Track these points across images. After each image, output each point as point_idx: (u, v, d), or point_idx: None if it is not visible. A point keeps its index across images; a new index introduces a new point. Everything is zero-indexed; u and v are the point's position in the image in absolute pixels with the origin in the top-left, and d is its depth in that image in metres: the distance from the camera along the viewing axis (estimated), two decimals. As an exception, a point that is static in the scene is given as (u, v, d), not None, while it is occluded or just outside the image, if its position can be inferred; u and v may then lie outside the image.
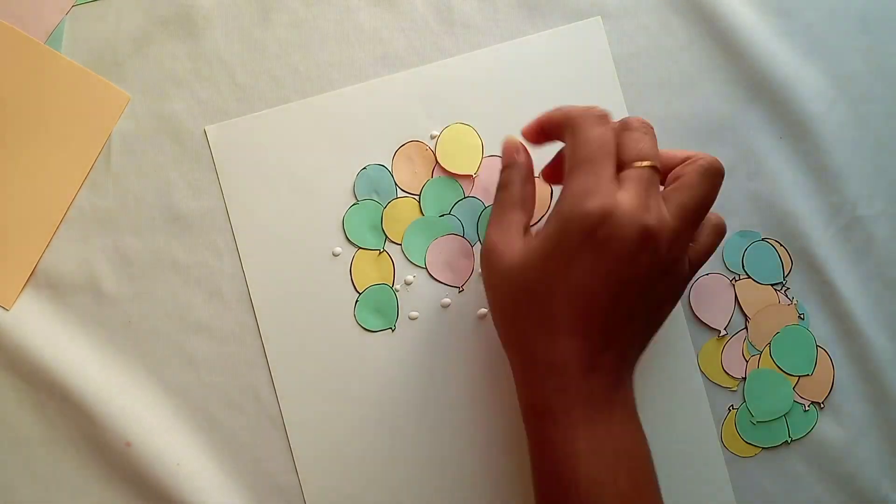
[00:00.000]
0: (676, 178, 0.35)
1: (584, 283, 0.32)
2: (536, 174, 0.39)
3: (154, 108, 0.43)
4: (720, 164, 0.35)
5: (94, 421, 0.40)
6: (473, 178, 0.43)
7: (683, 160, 0.35)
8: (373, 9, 0.43)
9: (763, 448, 0.42)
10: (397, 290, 0.42)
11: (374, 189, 0.43)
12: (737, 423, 0.42)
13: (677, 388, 0.42)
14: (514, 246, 0.35)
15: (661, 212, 0.33)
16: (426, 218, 0.43)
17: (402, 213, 0.43)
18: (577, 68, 0.43)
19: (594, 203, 0.32)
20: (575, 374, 0.33)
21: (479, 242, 0.43)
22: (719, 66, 0.43)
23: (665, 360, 0.42)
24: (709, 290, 0.43)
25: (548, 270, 0.33)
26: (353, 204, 0.43)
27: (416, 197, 0.43)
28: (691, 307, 0.43)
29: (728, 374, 0.42)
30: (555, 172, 0.39)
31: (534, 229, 0.38)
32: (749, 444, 0.42)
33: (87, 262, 0.42)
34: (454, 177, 0.43)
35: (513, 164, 0.38)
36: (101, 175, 0.42)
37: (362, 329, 0.42)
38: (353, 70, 0.43)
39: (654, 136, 0.35)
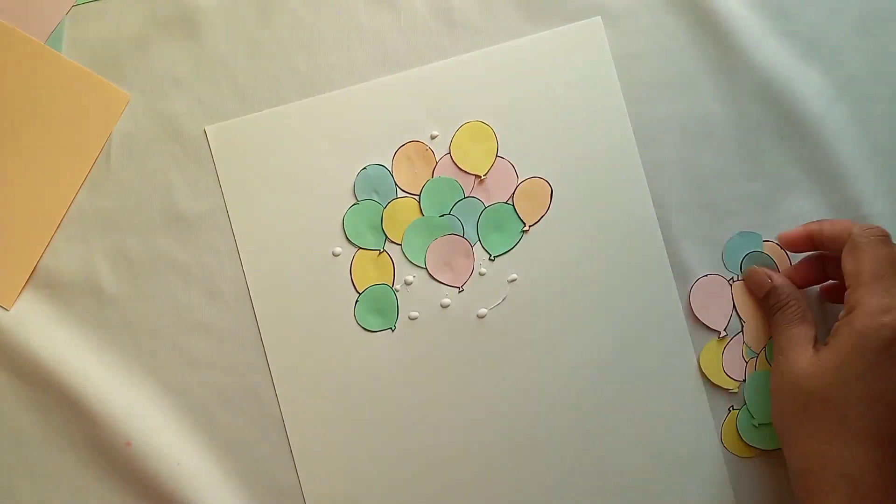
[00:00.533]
0: None
1: (883, 393, 0.34)
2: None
3: (154, 108, 0.43)
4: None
5: (94, 421, 0.40)
6: (481, 179, 0.43)
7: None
8: (373, 9, 0.43)
9: (765, 450, 0.42)
10: (397, 290, 0.42)
11: (374, 189, 0.43)
12: (738, 425, 0.42)
13: (677, 389, 0.42)
14: (806, 354, 0.37)
15: None
16: (426, 218, 0.43)
17: (402, 213, 0.43)
18: (577, 68, 0.43)
19: (892, 319, 0.34)
20: (875, 486, 0.34)
21: (479, 243, 0.43)
22: (719, 66, 0.43)
23: (665, 361, 0.42)
24: (708, 290, 0.43)
25: (844, 378, 0.34)
26: (353, 204, 0.43)
27: (416, 197, 0.43)
28: (691, 308, 0.43)
29: (728, 375, 0.42)
30: (831, 291, 0.42)
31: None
32: (751, 446, 0.42)
33: (87, 262, 0.42)
34: (457, 174, 0.43)
35: (776, 287, 0.40)
36: (101, 175, 0.42)
37: (362, 329, 0.42)
38: (353, 70, 0.43)
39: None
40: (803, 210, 0.43)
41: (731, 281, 0.43)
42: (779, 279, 0.40)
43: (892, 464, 0.34)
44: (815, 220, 0.43)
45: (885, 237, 0.36)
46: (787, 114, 0.43)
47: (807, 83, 0.43)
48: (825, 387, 0.35)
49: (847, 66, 0.44)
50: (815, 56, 0.44)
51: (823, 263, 0.41)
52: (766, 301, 0.41)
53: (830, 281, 0.41)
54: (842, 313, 0.36)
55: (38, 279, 0.42)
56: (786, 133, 0.43)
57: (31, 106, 0.42)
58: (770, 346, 0.42)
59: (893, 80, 0.44)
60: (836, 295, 0.40)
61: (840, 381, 0.35)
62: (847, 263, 0.36)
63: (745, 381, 0.42)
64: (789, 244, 0.41)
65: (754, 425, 0.42)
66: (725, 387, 0.42)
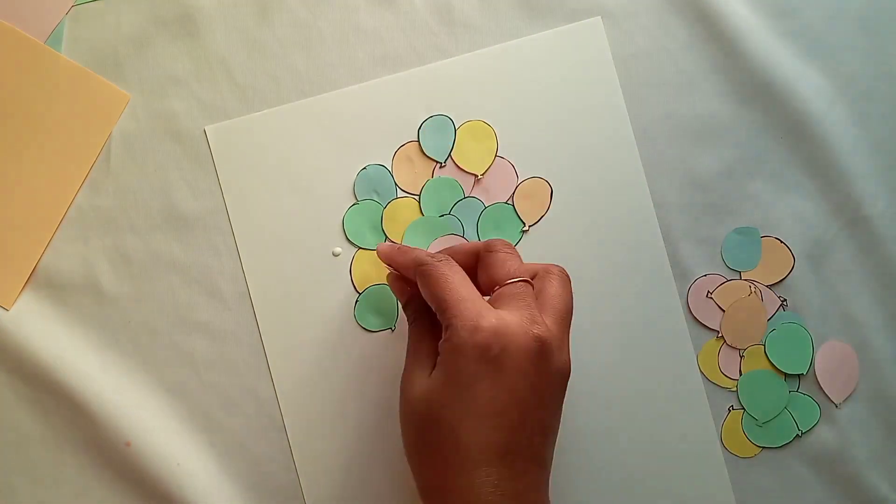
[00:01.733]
0: (540, 293, 0.35)
1: (490, 405, 0.31)
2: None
3: (154, 108, 0.43)
4: (567, 273, 0.37)
5: (94, 421, 0.40)
6: (479, 179, 0.43)
7: (534, 274, 0.37)
8: (373, 9, 0.43)
9: (771, 447, 0.42)
10: (397, 290, 0.42)
11: (374, 189, 0.43)
12: (743, 426, 0.42)
13: (677, 388, 0.42)
14: (422, 378, 0.34)
15: (545, 320, 0.33)
16: (426, 218, 0.43)
17: (402, 213, 0.43)
18: (577, 68, 0.43)
19: (485, 324, 0.32)
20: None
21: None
22: (719, 67, 0.43)
23: (665, 361, 0.42)
24: (706, 290, 0.43)
25: (451, 396, 0.32)
26: (353, 204, 0.43)
27: (416, 197, 0.43)
28: (690, 308, 0.43)
29: (725, 374, 0.42)
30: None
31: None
32: (758, 445, 0.42)
33: (87, 262, 0.42)
34: (457, 174, 0.43)
35: (410, 300, 0.38)
36: (101, 175, 0.42)
37: (362, 329, 0.42)
38: (353, 70, 0.43)
39: (518, 253, 0.36)
40: (803, 210, 0.43)
41: (728, 281, 0.43)
42: (411, 294, 0.38)
43: (511, 481, 0.31)
44: (815, 219, 0.43)
45: (449, 260, 0.35)
46: (787, 114, 0.43)
47: (807, 83, 0.43)
48: (436, 408, 0.32)
49: (847, 66, 0.44)
50: (815, 56, 0.44)
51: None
52: (408, 309, 0.38)
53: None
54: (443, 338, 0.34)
55: (38, 279, 0.42)
56: (786, 133, 0.43)
57: (31, 106, 0.42)
58: (767, 342, 0.42)
59: (893, 80, 0.44)
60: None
61: (448, 399, 0.32)
62: (423, 292, 0.35)
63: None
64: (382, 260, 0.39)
65: (759, 426, 0.42)
66: (724, 385, 0.42)
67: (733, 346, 0.42)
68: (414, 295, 0.37)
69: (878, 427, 0.42)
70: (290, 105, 0.43)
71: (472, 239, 0.43)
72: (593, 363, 0.42)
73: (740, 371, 0.42)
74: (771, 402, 0.42)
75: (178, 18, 0.43)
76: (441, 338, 0.34)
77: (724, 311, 0.43)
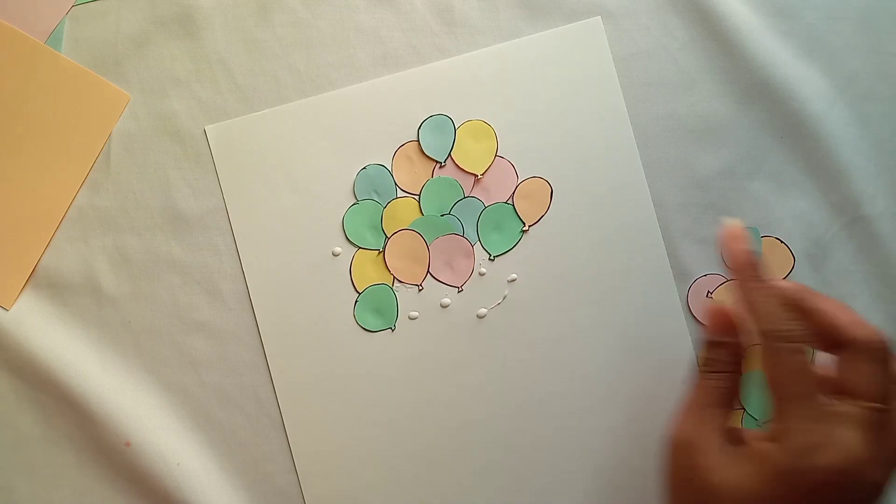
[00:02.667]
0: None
1: None
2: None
3: (154, 108, 0.43)
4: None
5: (94, 421, 0.40)
6: (479, 179, 0.43)
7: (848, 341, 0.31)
8: (373, 9, 0.43)
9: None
10: (397, 290, 0.42)
11: (373, 189, 0.43)
12: (743, 427, 0.42)
13: (677, 389, 0.42)
14: (714, 453, 0.31)
15: (888, 459, 0.29)
16: (426, 218, 0.43)
17: (402, 212, 0.43)
18: (577, 68, 0.43)
19: (827, 459, 0.28)
20: None
21: (479, 243, 0.43)
22: (719, 66, 0.43)
23: (665, 361, 0.42)
24: (706, 290, 0.43)
25: None
26: (353, 204, 0.43)
27: (416, 197, 0.43)
28: (689, 308, 0.43)
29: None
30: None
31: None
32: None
33: (87, 262, 0.42)
34: (457, 174, 0.43)
35: (725, 345, 0.33)
36: (101, 175, 0.42)
37: (362, 329, 0.42)
38: (352, 70, 0.43)
39: (890, 360, 0.30)
40: (803, 210, 0.43)
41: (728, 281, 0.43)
42: (735, 338, 0.33)
43: None
44: (815, 219, 0.43)
45: (799, 346, 0.30)
46: (787, 114, 0.43)
47: (807, 83, 0.43)
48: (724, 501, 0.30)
49: (847, 66, 0.44)
50: (815, 56, 0.44)
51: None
52: (706, 349, 0.35)
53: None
54: (763, 427, 0.31)
55: (38, 279, 0.42)
56: (786, 133, 0.43)
57: (31, 106, 0.42)
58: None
59: (893, 80, 0.44)
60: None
61: None
62: (764, 369, 0.31)
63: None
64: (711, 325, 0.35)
65: (759, 426, 0.42)
66: (725, 387, 0.42)
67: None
68: (728, 343, 0.33)
69: (879, 427, 0.42)
70: (290, 105, 0.43)
71: (471, 239, 0.43)
72: (593, 363, 0.42)
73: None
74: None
75: (178, 18, 0.43)
76: (732, 407, 0.31)
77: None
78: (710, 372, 0.33)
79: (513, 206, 0.43)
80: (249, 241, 0.42)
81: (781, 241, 0.43)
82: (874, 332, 0.30)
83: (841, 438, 0.28)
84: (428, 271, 0.42)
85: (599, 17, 0.43)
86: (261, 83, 0.43)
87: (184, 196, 0.42)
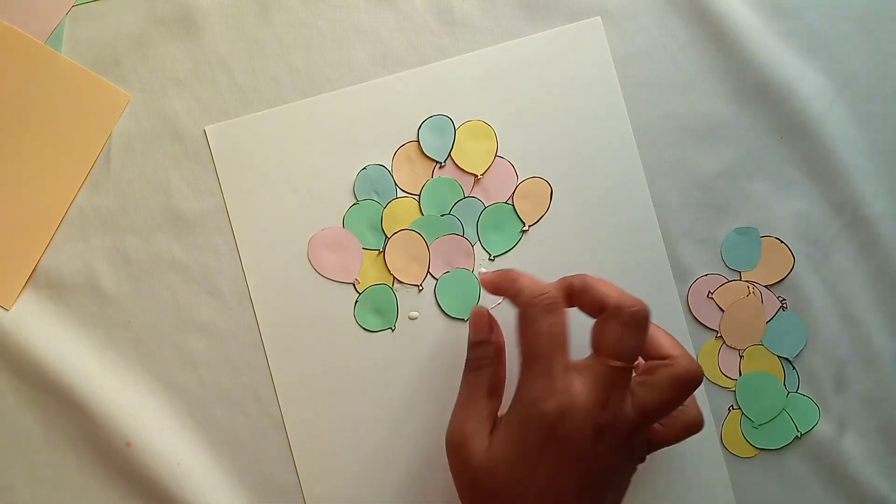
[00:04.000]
0: (649, 371, 0.34)
1: (549, 486, 0.32)
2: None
3: (154, 108, 0.43)
4: (699, 375, 0.34)
5: (94, 421, 0.40)
6: (479, 179, 0.43)
7: (664, 356, 0.34)
8: (373, 9, 0.43)
9: (770, 449, 0.42)
10: (397, 290, 0.42)
11: (373, 189, 0.43)
12: (742, 429, 0.42)
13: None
14: (481, 439, 0.34)
15: (620, 408, 0.32)
16: (426, 218, 0.43)
17: (402, 212, 0.43)
18: (577, 68, 0.43)
19: (549, 405, 0.32)
20: None
21: (479, 243, 0.43)
22: (719, 66, 0.43)
23: (665, 360, 0.42)
24: (706, 290, 0.43)
25: (512, 477, 0.32)
26: (353, 204, 0.43)
27: (416, 197, 0.43)
28: (689, 308, 0.43)
29: (725, 374, 0.42)
30: None
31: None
32: (757, 447, 0.42)
33: (87, 262, 0.42)
34: (457, 174, 0.43)
35: (485, 343, 0.37)
36: (101, 175, 0.42)
37: (362, 329, 0.42)
38: (352, 70, 0.43)
39: (645, 329, 0.33)
40: (803, 210, 0.43)
41: (728, 281, 0.43)
42: (496, 337, 0.37)
43: None
44: (815, 219, 0.43)
45: (552, 305, 0.34)
46: (787, 114, 0.43)
47: (807, 83, 0.43)
48: (497, 488, 0.33)
49: (847, 66, 0.44)
50: (815, 56, 0.44)
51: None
52: (471, 349, 0.38)
53: None
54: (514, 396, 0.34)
55: (38, 279, 0.42)
56: (786, 133, 0.43)
57: (31, 106, 0.42)
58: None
59: (893, 80, 0.44)
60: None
61: (510, 481, 0.32)
62: (517, 333, 0.34)
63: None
64: (484, 286, 0.38)
65: (755, 427, 0.42)
66: (724, 385, 0.42)
67: (732, 346, 0.42)
68: (489, 341, 0.37)
69: (879, 427, 0.42)
70: (290, 105, 0.43)
71: (471, 239, 0.43)
72: (593, 363, 0.42)
73: (740, 371, 0.42)
74: (768, 404, 0.42)
75: (178, 18, 0.43)
76: (499, 396, 0.35)
77: (723, 311, 0.43)
78: (477, 368, 0.37)
79: (513, 206, 0.43)
80: (249, 241, 0.42)
81: (781, 241, 0.43)
82: (631, 299, 0.33)
83: (565, 387, 0.32)
84: (428, 271, 0.42)
85: (599, 17, 0.43)
86: (261, 83, 0.43)
87: (184, 196, 0.42)
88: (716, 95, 0.43)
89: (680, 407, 0.35)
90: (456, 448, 0.35)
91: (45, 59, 0.42)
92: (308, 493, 0.41)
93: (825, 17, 0.44)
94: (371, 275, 0.42)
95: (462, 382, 0.37)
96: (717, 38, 0.43)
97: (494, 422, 0.35)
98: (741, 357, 0.42)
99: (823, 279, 0.43)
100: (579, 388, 0.32)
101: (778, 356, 0.42)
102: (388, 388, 0.42)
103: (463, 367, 0.40)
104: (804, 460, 0.42)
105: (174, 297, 0.42)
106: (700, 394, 0.42)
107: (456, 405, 0.36)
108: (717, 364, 0.42)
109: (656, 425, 0.36)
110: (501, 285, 0.37)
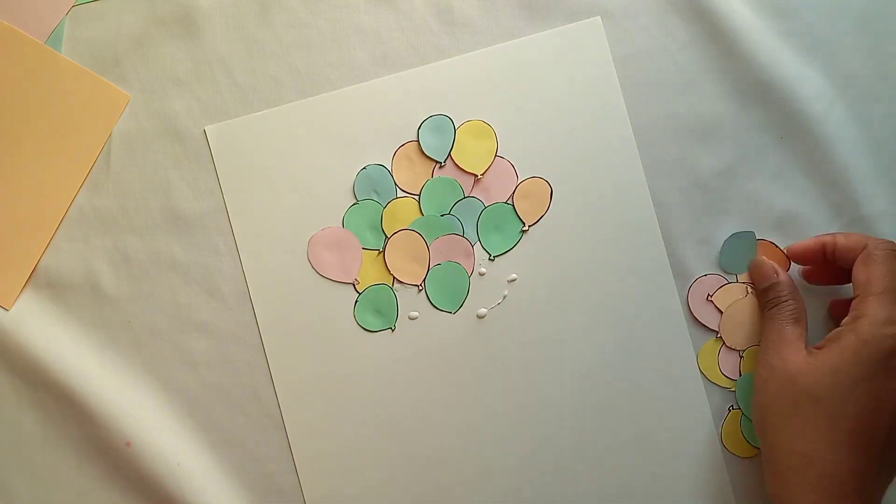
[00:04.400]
0: None
1: (873, 403, 0.35)
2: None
3: (154, 108, 0.43)
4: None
5: (94, 421, 0.40)
6: (479, 179, 0.43)
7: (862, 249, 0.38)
8: (373, 9, 0.43)
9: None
10: (397, 290, 0.42)
11: (373, 189, 0.43)
12: (742, 429, 0.42)
13: (677, 389, 0.42)
14: (800, 353, 0.37)
15: None
16: (426, 217, 0.43)
17: (402, 212, 0.43)
18: (577, 68, 0.43)
19: (894, 331, 0.34)
20: (854, 490, 0.34)
21: (479, 243, 0.43)
22: (719, 66, 0.43)
23: (665, 361, 0.42)
24: (706, 291, 0.43)
25: (840, 382, 0.35)
26: (353, 204, 0.43)
27: (416, 197, 0.43)
28: (689, 308, 0.43)
29: (725, 374, 0.42)
30: (816, 275, 0.42)
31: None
32: (756, 447, 0.42)
33: (87, 262, 0.42)
34: (457, 174, 0.43)
35: (779, 283, 0.40)
36: (101, 175, 0.42)
37: (362, 329, 0.42)
38: (352, 70, 0.43)
39: None
40: (803, 210, 0.43)
41: (728, 282, 0.43)
42: (784, 276, 0.40)
43: (870, 472, 0.35)
44: (815, 219, 0.43)
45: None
46: (787, 114, 0.43)
47: (807, 83, 0.43)
48: (820, 387, 0.35)
49: (847, 66, 0.44)
50: (815, 56, 0.44)
51: (830, 273, 0.41)
52: (764, 294, 0.41)
53: (838, 299, 0.42)
54: (845, 320, 0.36)
55: (38, 279, 0.42)
56: (786, 133, 0.43)
57: (31, 106, 0.42)
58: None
59: (893, 80, 0.44)
60: (843, 312, 0.39)
61: (836, 384, 0.35)
62: (859, 274, 0.37)
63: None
64: (800, 257, 0.41)
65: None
66: (724, 385, 0.42)
67: (732, 347, 0.42)
68: (784, 281, 0.40)
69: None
70: (290, 105, 0.43)
71: (471, 239, 0.43)
72: (593, 363, 0.42)
73: (740, 371, 0.42)
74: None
75: (178, 18, 0.43)
76: (804, 323, 0.38)
77: (722, 312, 0.43)
78: (776, 305, 0.40)
79: (513, 206, 0.43)
80: (249, 241, 0.42)
81: (776, 246, 0.43)
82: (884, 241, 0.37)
83: None
84: (428, 271, 0.42)
85: (599, 17, 0.43)
86: (261, 83, 0.43)
87: (184, 196, 0.42)
88: (716, 95, 0.43)
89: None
90: (770, 357, 0.38)
91: (45, 59, 0.42)
92: (308, 493, 0.41)
93: (825, 17, 0.44)
94: (371, 275, 0.42)
95: (765, 320, 0.40)
96: (717, 38, 0.43)
97: (807, 345, 0.37)
98: (741, 357, 0.42)
99: (823, 279, 0.43)
100: None
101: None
102: (388, 388, 0.42)
103: (465, 365, 0.40)
104: (804, 460, 0.42)
105: (174, 297, 0.42)
106: (700, 393, 0.42)
107: (763, 340, 0.40)
108: (717, 364, 0.42)
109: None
110: (834, 246, 0.39)
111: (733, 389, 0.42)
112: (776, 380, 0.37)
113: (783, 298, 0.40)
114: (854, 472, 0.34)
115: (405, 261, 0.42)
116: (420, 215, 0.43)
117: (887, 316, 0.35)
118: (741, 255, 0.43)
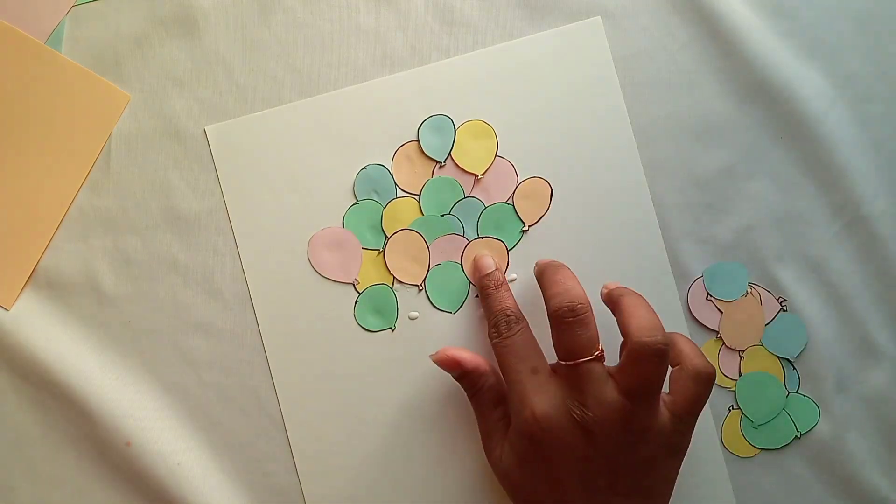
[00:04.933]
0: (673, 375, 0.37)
1: (550, 480, 0.35)
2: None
3: (154, 108, 0.43)
4: (709, 370, 0.36)
5: (94, 421, 0.40)
6: (479, 179, 0.43)
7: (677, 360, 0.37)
8: (373, 9, 0.43)
9: (770, 449, 0.42)
10: (397, 290, 0.42)
11: (373, 189, 0.43)
12: (742, 429, 0.42)
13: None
14: (499, 448, 0.37)
15: (601, 402, 0.34)
16: (426, 218, 0.43)
17: (402, 212, 0.43)
18: (577, 68, 0.43)
19: (525, 413, 0.35)
20: None
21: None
22: (719, 66, 0.43)
23: (665, 360, 0.42)
24: (706, 291, 0.43)
25: (521, 481, 0.36)
26: (353, 204, 0.43)
27: (416, 197, 0.43)
28: (689, 308, 0.43)
29: (725, 374, 0.42)
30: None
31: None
32: (757, 447, 0.42)
33: (87, 262, 0.42)
34: (457, 174, 0.43)
35: (463, 375, 0.39)
36: (101, 175, 0.42)
37: (362, 329, 0.42)
38: (352, 70, 0.43)
39: (586, 317, 0.35)
40: (803, 210, 0.43)
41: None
42: (470, 362, 0.38)
43: None
44: (815, 219, 0.43)
45: (510, 321, 0.38)
46: (787, 114, 0.43)
47: (807, 83, 0.43)
48: (516, 489, 0.37)
49: (847, 66, 0.44)
50: (815, 56, 0.44)
51: None
52: (461, 383, 0.39)
53: None
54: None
55: (38, 279, 0.42)
56: (786, 133, 0.43)
57: (31, 106, 0.42)
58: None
59: (893, 80, 0.44)
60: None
61: (518, 481, 0.36)
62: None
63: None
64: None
65: (755, 427, 0.42)
66: (724, 385, 0.42)
67: (732, 347, 0.42)
68: (472, 369, 0.38)
69: (879, 427, 0.42)
70: (290, 105, 0.43)
71: (471, 238, 0.43)
72: (593, 363, 0.42)
73: (740, 372, 0.42)
74: (768, 404, 0.42)
75: (178, 18, 0.43)
76: (504, 402, 0.38)
77: (722, 312, 0.43)
78: (474, 394, 0.39)
79: (513, 206, 0.43)
80: (249, 241, 0.42)
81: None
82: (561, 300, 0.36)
83: (536, 394, 0.35)
84: (428, 271, 0.42)
85: (599, 17, 0.43)
86: (261, 83, 0.43)
87: (184, 196, 0.42)
88: (716, 95, 0.43)
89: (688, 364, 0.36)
90: (487, 454, 0.38)
91: (45, 59, 0.42)
92: (308, 493, 0.41)
93: (825, 17, 0.44)
94: (371, 275, 0.42)
95: (474, 407, 0.39)
96: (717, 38, 0.43)
97: (509, 424, 0.37)
98: (741, 357, 0.42)
99: (823, 279, 0.43)
100: (550, 392, 0.35)
101: (778, 356, 0.42)
102: (388, 388, 0.42)
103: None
104: (804, 460, 0.42)
105: (174, 297, 0.42)
106: (700, 394, 0.42)
107: (482, 437, 0.39)
108: (717, 364, 0.42)
109: (665, 395, 0.36)
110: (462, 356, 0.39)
111: (733, 389, 0.42)
112: (500, 480, 0.38)
113: (477, 388, 0.39)
114: None
115: (405, 261, 0.42)
116: (420, 215, 0.43)
117: (515, 402, 0.36)
118: (728, 285, 0.43)
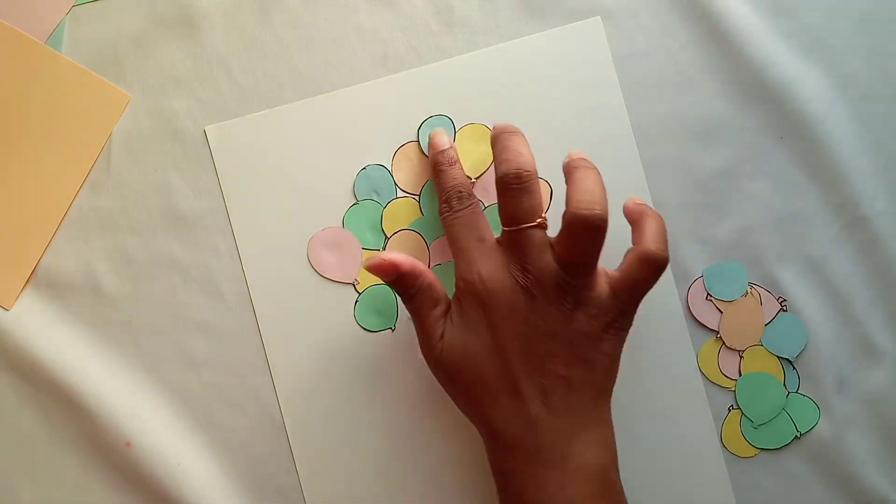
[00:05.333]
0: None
1: (493, 344, 0.35)
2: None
3: (154, 108, 0.43)
4: (658, 254, 0.36)
5: (94, 421, 0.40)
6: (479, 179, 0.43)
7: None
8: (373, 9, 0.43)
9: (770, 449, 0.42)
10: (397, 290, 0.42)
11: (373, 189, 0.43)
12: (742, 429, 0.42)
13: (677, 388, 0.42)
14: (439, 336, 0.37)
15: (542, 267, 0.35)
16: (426, 218, 0.43)
17: (402, 213, 0.43)
18: (577, 68, 0.43)
19: (470, 275, 0.36)
20: (517, 434, 0.35)
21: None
22: (719, 66, 0.43)
23: (665, 360, 0.42)
24: (705, 291, 0.43)
25: (464, 349, 0.36)
26: (353, 204, 0.43)
27: (416, 197, 0.43)
28: (689, 308, 0.43)
29: (725, 374, 0.42)
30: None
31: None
32: (757, 447, 0.42)
33: (87, 262, 0.42)
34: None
35: (404, 275, 0.37)
36: (101, 175, 0.42)
37: (362, 329, 0.42)
38: (352, 70, 0.43)
39: (531, 185, 0.35)
40: (803, 210, 0.43)
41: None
42: (405, 263, 0.37)
43: (526, 409, 0.35)
44: (815, 219, 0.43)
45: (462, 198, 0.38)
46: (787, 114, 0.43)
47: (807, 83, 0.43)
48: (458, 359, 0.36)
49: (847, 66, 0.44)
50: (815, 56, 0.44)
51: None
52: (397, 287, 0.37)
53: None
54: None
55: (38, 279, 0.42)
56: (786, 133, 0.43)
57: (31, 106, 0.42)
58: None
59: (893, 80, 0.44)
60: None
61: (461, 351, 0.36)
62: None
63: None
64: None
65: (755, 427, 0.42)
66: (724, 385, 0.42)
67: (732, 347, 0.42)
68: (405, 272, 0.37)
69: (879, 427, 0.42)
70: (290, 105, 0.43)
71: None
72: (593, 363, 0.42)
73: (740, 372, 0.42)
74: (768, 404, 0.42)
75: (178, 18, 0.43)
76: (440, 300, 0.37)
77: (721, 312, 0.43)
78: (410, 297, 0.37)
79: (513, 206, 0.43)
80: (249, 241, 0.42)
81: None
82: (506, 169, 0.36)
83: (481, 259, 0.36)
84: (428, 271, 0.42)
85: (599, 17, 0.43)
86: (261, 83, 0.43)
87: (184, 196, 0.42)
88: (716, 95, 0.43)
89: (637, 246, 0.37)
90: (423, 352, 0.38)
91: (45, 59, 0.42)
92: (308, 493, 0.41)
93: (825, 17, 0.44)
94: (371, 275, 0.42)
95: (411, 312, 0.38)
96: (717, 38, 0.43)
97: (448, 313, 0.37)
98: (741, 357, 0.42)
99: (823, 279, 0.43)
100: (495, 257, 0.36)
101: (778, 356, 0.42)
102: (388, 388, 0.42)
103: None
104: (804, 460, 0.42)
105: (174, 297, 0.42)
106: (700, 393, 0.42)
107: (415, 327, 0.38)
108: (717, 364, 0.42)
109: (611, 271, 0.36)
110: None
111: (733, 389, 0.42)
112: (435, 371, 0.37)
113: (413, 292, 0.37)
114: (515, 416, 0.35)
115: (405, 261, 0.42)
116: (420, 215, 0.43)
117: (459, 265, 0.37)
118: (728, 285, 0.43)
